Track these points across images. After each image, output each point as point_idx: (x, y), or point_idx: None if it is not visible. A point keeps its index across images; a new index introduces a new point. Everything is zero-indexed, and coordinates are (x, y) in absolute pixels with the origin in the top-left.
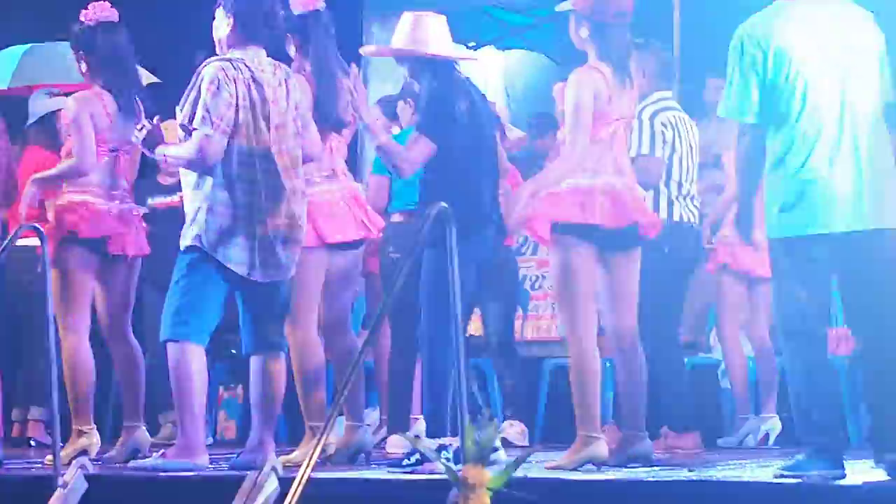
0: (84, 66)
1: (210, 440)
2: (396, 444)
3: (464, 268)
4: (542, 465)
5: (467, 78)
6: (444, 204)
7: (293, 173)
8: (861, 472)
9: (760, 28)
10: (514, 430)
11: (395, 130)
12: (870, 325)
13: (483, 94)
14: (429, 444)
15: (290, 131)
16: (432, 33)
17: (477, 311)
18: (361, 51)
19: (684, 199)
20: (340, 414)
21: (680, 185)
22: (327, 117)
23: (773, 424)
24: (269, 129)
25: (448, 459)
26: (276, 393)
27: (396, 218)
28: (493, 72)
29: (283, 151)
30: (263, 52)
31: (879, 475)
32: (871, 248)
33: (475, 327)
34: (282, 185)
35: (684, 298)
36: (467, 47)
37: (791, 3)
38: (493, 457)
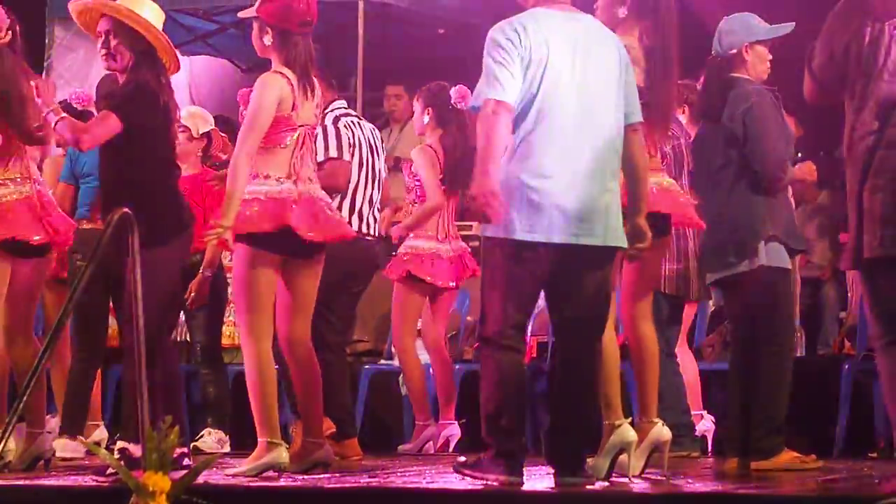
0: None
1: None
2: (65, 448)
3: (171, 271)
4: (224, 472)
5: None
6: (126, 210)
7: None
8: (538, 477)
9: (519, 27)
10: (211, 438)
11: None
12: (571, 340)
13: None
14: (105, 453)
15: None
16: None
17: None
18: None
19: (366, 207)
20: (20, 421)
21: (363, 192)
22: (15, 125)
23: (453, 430)
24: None
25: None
26: None
27: (84, 225)
28: (178, 76)
29: None
30: None
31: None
32: (588, 261)
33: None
34: None
35: (354, 310)
36: None
37: (547, 13)
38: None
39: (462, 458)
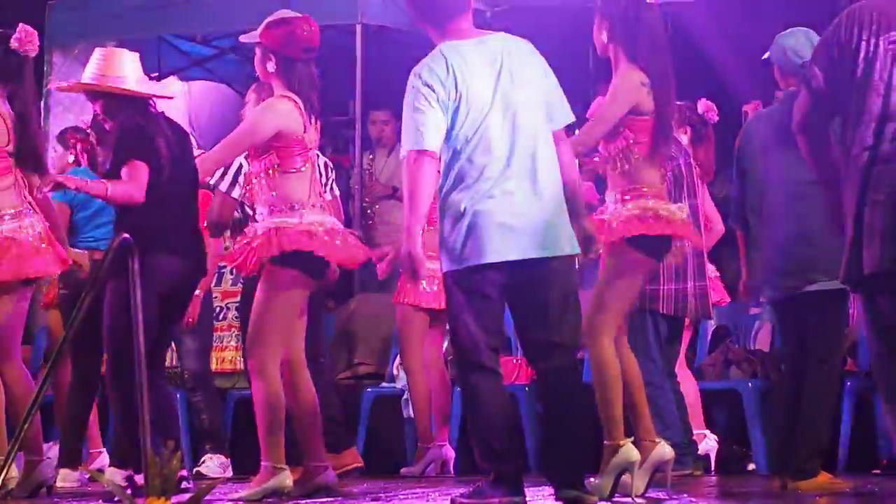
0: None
1: None
2: (66, 479)
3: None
4: (227, 497)
5: (161, 113)
6: (126, 235)
7: None
8: (542, 497)
9: (438, 65)
10: (214, 462)
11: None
12: (543, 354)
13: (179, 126)
14: (110, 479)
15: None
16: (128, 69)
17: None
18: (55, 87)
19: None
20: (20, 449)
21: None
22: (27, 158)
23: (448, 453)
24: None
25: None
26: None
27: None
28: (176, 102)
29: None
30: None
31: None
32: (544, 275)
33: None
34: None
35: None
36: (150, 78)
37: (459, 43)
38: None
39: (460, 491)
